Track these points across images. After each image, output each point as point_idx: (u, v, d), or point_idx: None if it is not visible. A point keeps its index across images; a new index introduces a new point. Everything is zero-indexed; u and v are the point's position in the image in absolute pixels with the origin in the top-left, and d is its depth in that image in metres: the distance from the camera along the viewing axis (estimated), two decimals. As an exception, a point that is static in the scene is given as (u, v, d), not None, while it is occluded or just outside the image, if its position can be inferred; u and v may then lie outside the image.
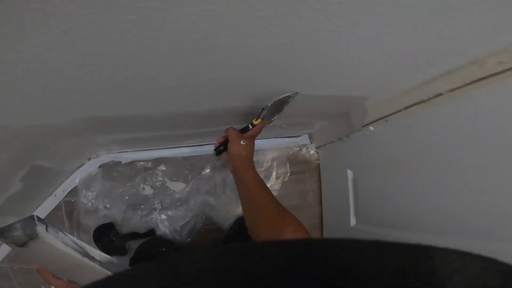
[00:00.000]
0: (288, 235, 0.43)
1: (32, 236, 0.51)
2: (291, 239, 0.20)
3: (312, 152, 0.96)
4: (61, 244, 0.51)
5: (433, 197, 0.54)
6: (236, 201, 0.91)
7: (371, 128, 0.66)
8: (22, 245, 0.51)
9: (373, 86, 0.56)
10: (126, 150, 0.92)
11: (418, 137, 0.56)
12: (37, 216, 0.51)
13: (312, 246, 0.17)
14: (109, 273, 0.52)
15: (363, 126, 0.69)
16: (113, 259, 0.53)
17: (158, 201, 0.92)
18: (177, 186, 0.92)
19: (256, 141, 0.92)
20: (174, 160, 0.93)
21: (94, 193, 0.89)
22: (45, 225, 0.52)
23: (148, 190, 0.93)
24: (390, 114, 0.60)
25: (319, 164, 0.96)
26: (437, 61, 0.44)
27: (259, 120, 0.60)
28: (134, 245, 0.92)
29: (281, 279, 0.15)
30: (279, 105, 0.58)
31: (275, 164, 0.94)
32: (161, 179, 0.92)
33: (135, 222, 0.92)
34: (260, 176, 0.96)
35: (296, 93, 0.54)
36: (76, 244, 0.53)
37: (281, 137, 0.94)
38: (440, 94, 0.49)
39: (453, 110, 0.47)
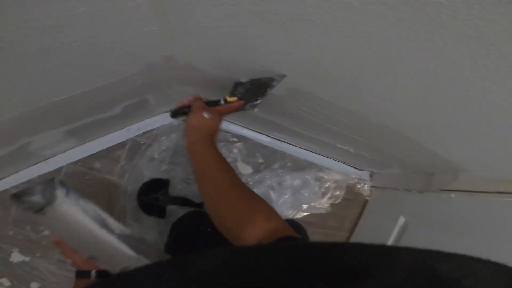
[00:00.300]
0: (259, 222, 0.37)
1: (50, 200, 0.50)
2: (307, 242, 0.20)
3: (366, 188, 1.06)
4: (79, 212, 0.50)
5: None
6: (294, 206, 0.96)
7: (452, 195, 0.77)
8: (39, 210, 0.50)
9: (485, 164, 0.67)
10: (214, 117, 0.93)
11: (500, 219, 0.68)
12: (59, 179, 0.50)
13: (327, 249, 0.17)
14: (125, 248, 0.51)
15: (441, 190, 0.80)
16: (134, 233, 0.51)
17: (222, 176, 0.94)
18: (245, 169, 0.95)
19: (325, 159, 1.00)
20: (253, 144, 0.95)
21: (171, 144, 0.88)
22: (65, 190, 0.50)
23: (217, 162, 0.94)
24: (479, 192, 0.72)
25: (367, 200, 1.06)
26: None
27: (234, 98, 0.52)
28: (174, 211, 0.91)
29: (297, 279, 0.15)
30: (261, 88, 0.51)
31: (334, 186, 1.02)
32: (234, 156, 0.94)
33: (191, 188, 0.92)
34: (315, 189, 1.03)
35: (283, 76, 0.48)
36: (96, 213, 0.51)
37: (348, 164, 1.03)
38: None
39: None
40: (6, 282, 0.93)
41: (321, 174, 0.99)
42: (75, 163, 0.88)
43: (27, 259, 0.92)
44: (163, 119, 0.89)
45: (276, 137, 0.96)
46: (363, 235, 1.02)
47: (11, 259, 0.92)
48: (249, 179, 0.94)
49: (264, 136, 0.96)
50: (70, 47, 0.42)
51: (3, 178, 0.87)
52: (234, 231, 0.39)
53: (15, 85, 0.46)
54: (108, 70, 0.55)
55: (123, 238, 0.51)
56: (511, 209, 0.64)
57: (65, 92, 0.55)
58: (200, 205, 0.93)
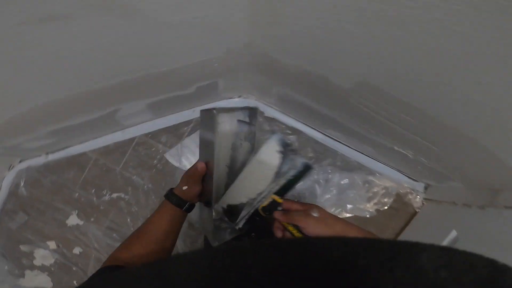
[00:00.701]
0: None
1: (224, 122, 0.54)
2: (283, 239, 0.21)
3: (418, 199, 1.01)
4: (229, 142, 0.54)
5: None
6: (338, 205, 0.96)
7: (522, 215, 0.71)
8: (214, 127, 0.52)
9: None
10: (273, 107, 0.97)
11: None
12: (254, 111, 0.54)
13: (305, 246, 0.17)
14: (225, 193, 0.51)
15: (506, 206, 0.74)
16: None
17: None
18: (296, 162, 0.98)
19: (378, 164, 0.99)
20: (306, 138, 0.98)
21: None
22: (248, 124, 0.55)
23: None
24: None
25: (416, 212, 1.02)
26: None
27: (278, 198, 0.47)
28: None
29: (276, 279, 0.15)
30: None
31: (383, 192, 1.00)
32: (286, 148, 0.98)
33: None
34: (362, 191, 1.00)
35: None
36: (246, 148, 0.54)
37: (402, 172, 0.99)
38: None
39: None
40: (52, 245, 1.02)
41: (370, 177, 0.98)
42: (146, 134, 0.99)
43: (81, 223, 1.02)
44: (225, 104, 0.97)
45: (329, 135, 0.97)
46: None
47: (67, 221, 1.02)
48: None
49: (317, 132, 0.98)
50: (180, 24, 0.50)
51: (83, 142, 1.02)
52: None
53: (136, 53, 0.56)
54: (197, 50, 0.62)
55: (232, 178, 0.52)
56: None
57: (166, 65, 0.64)
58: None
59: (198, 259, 0.18)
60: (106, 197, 1.02)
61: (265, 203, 0.47)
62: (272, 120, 0.99)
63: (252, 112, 0.57)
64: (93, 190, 1.03)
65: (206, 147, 0.56)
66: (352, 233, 0.42)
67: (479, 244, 0.78)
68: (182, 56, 0.63)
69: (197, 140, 0.99)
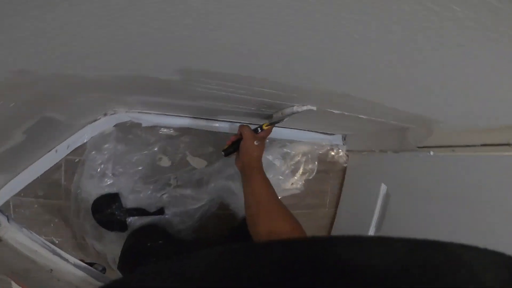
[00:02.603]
0: (285, 232, 0.46)
1: None
2: (296, 237, 0.21)
3: (341, 154, 0.93)
4: (27, 238, 0.46)
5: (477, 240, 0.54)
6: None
7: (431, 153, 0.63)
8: None
9: (454, 112, 0.52)
10: (150, 112, 0.81)
11: (485, 177, 0.54)
12: None
13: (317, 245, 0.17)
14: (84, 275, 0.47)
15: (419, 147, 0.66)
16: (88, 266, 0.49)
17: (175, 177, 0.85)
18: (199, 163, 0.85)
19: (290, 131, 0.88)
20: (200, 133, 0.84)
21: (106, 156, 0.79)
22: (6, 217, 0.46)
23: (165, 162, 0.84)
24: (461, 146, 0.58)
25: (345, 167, 0.94)
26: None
27: (268, 125, 0.61)
28: (136, 221, 0.86)
29: (288, 278, 0.15)
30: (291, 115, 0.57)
31: (304, 159, 0.90)
32: (182, 151, 0.84)
33: (144, 196, 0.84)
34: (282, 168, 0.92)
35: (311, 110, 0.54)
36: (44, 242, 0.48)
37: (315, 131, 0.89)
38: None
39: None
40: None
41: (285, 149, 0.87)
42: (18, 195, 0.82)
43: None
44: (91, 130, 0.79)
45: (223, 119, 0.83)
46: (348, 208, 0.92)
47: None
48: (204, 173, 0.84)
49: (209, 121, 0.83)
50: None
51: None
52: (263, 236, 0.47)
53: None
54: None
55: (79, 267, 0.48)
56: (498, 164, 0.50)
57: None
58: (159, 212, 0.87)
59: (212, 257, 0.18)
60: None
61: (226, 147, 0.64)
62: (153, 128, 0.83)
63: None
64: None
65: None
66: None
67: (409, 195, 0.71)
68: None
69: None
